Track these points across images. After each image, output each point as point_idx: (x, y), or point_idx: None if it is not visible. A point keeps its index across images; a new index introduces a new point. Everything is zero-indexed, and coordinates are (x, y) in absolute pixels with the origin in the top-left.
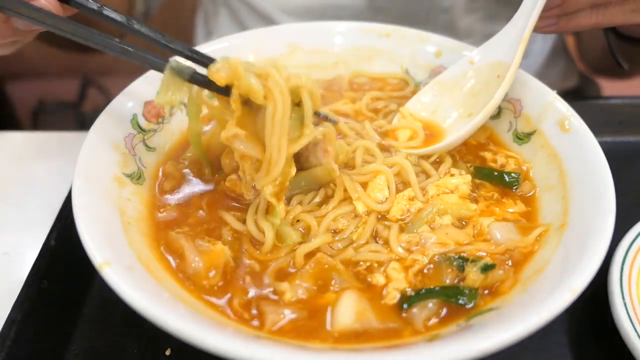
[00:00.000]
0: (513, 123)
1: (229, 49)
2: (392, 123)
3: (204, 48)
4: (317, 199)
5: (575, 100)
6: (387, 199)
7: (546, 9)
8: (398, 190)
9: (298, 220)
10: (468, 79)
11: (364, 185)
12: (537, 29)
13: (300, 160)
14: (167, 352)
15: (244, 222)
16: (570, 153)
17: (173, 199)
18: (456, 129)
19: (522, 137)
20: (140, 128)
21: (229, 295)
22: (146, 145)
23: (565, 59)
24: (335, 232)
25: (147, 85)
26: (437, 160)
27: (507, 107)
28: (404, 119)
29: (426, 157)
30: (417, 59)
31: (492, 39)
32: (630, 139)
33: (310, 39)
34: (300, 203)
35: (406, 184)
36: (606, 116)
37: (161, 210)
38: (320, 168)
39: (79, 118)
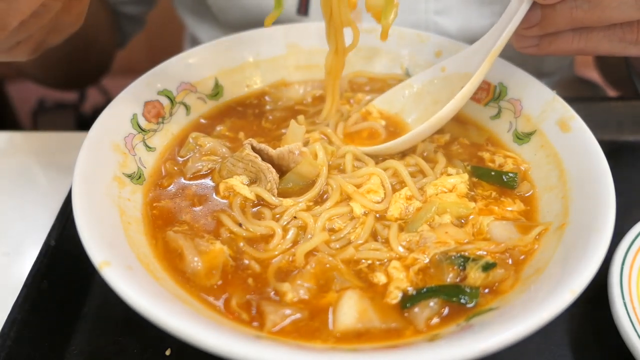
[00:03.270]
0: (513, 123)
1: (229, 48)
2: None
3: (205, 49)
4: (312, 193)
5: (575, 100)
6: (383, 199)
7: (526, 27)
8: (395, 190)
9: (295, 217)
10: (435, 86)
11: (359, 187)
12: (518, 49)
13: (283, 170)
14: (167, 352)
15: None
16: (570, 153)
17: (170, 195)
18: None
19: (522, 137)
20: (140, 128)
21: (227, 295)
22: (146, 145)
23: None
24: (333, 230)
25: (147, 85)
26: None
27: (507, 107)
28: (370, 115)
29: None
30: (417, 59)
31: (466, 49)
32: (630, 139)
33: (310, 39)
34: (296, 204)
35: (403, 184)
36: (606, 116)
37: (155, 204)
38: (302, 163)
39: (79, 118)
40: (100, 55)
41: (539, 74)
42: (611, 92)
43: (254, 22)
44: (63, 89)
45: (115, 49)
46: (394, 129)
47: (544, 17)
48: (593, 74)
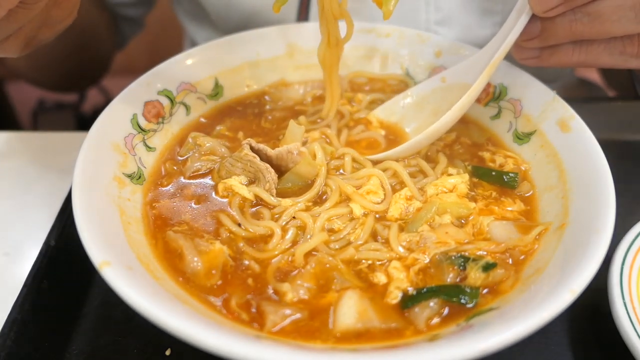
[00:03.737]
0: (513, 123)
1: (229, 48)
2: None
3: (205, 49)
4: (311, 193)
5: (576, 100)
6: (383, 199)
7: (526, 39)
8: (395, 190)
9: (294, 217)
10: (435, 97)
11: (358, 189)
12: (519, 60)
13: (282, 170)
14: (167, 352)
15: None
16: (570, 153)
17: (170, 195)
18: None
19: (522, 137)
20: (140, 128)
21: (227, 295)
22: (146, 145)
23: None
24: (332, 231)
25: (147, 85)
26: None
27: (507, 107)
28: (370, 124)
29: (424, 157)
30: (417, 59)
31: (467, 60)
32: (630, 139)
33: (310, 39)
34: (295, 204)
35: (403, 184)
36: (606, 116)
37: (155, 204)
38: (301, 163)
39: (79, 118)
40: (99, 58)
41: (541, 80)
42: (611, 94)
43: (253, 29)
44: (61, 91)
45: (114, 51)
46: (394, 137)
47: (543, 30)
48: (594, 75)
